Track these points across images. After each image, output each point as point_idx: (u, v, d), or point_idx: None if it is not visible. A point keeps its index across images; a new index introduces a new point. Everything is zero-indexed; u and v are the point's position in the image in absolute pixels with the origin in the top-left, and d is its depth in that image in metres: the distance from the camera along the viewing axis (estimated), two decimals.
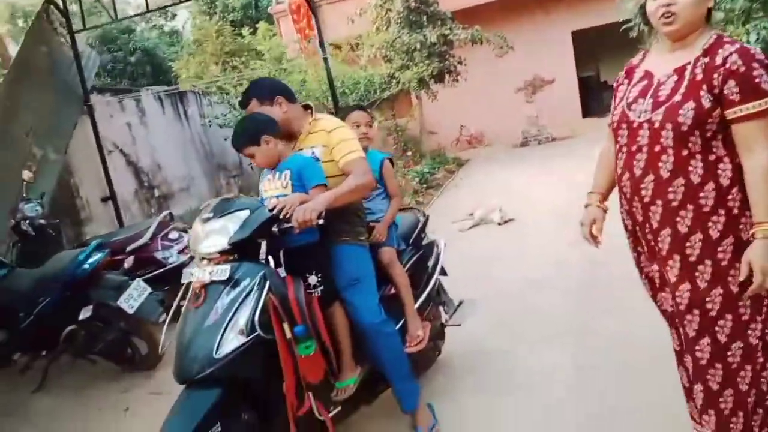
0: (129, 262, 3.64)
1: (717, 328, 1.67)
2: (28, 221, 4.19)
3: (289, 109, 2.57)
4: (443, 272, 3.18)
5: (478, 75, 11.89)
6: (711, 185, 1.64)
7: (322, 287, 2.38)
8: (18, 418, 3.38)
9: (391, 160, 2.97)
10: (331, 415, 2.27)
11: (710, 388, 1.73)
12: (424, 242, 3.05)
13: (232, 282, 2.07)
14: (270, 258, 2.18)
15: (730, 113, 1.61)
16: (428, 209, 7.61)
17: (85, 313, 3.27)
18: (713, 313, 1.66)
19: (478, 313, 3.13)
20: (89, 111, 6.92)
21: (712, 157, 1.65)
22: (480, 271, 4.59)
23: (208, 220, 2.21)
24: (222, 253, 2.14)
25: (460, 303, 3.11)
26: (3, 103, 5.87)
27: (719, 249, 1.65)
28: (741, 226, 1.65)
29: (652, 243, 1.78)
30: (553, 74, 13.01)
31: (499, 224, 5.94)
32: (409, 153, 10.17)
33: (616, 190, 1.92)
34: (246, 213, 2.19)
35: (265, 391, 2.08)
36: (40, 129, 5.94)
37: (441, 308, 3.08)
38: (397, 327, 2.63)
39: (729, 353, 1.68)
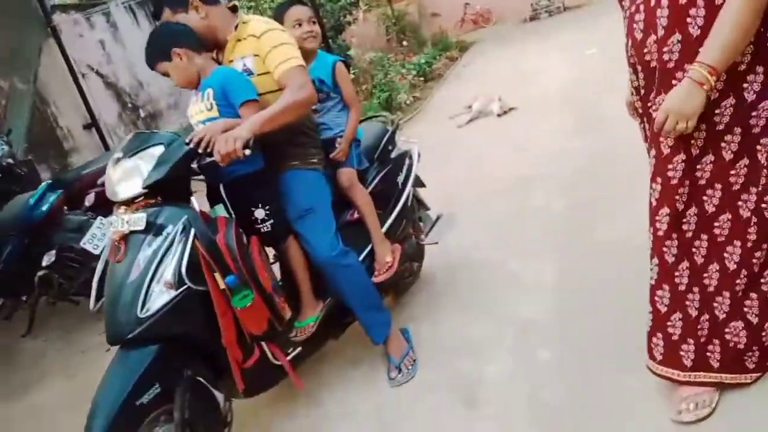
0: (90, 199, 3.43)
1: (705, 198, 1.53)
2: None
3: (208, 12, 2.18)
4: (420, 184, 2.90)
5: None
6: None
7: (272, 221, 2.15)
8: (8, 363, 3.38)
9: (346, 63, 2.58)
10: (290, 357, 2.13)
11: (696, 262, 1.58)
12: (394, 155, 2.73)
13: (153, 230, 1.84)
14: (193, 200, 1.93)
15: None
16: (427, 104, 7.14)
17: (48, 259, 3.13)
18: (702, 182, 1.52)
19: (458, 227, 2.86)
20: (54, 33, 6.42)
21: (719, 0, 1.35)
22: (472, 170, 4.28)
23: (119, 160, 1.93)
24: (142, 197, 1.89)
25: (438, 218, 2.83)
26: None
27: (716, 111, 1.43)
28: (746, 85, 1.42)
29: (652, 119, 1.56)
30: None
31: (499, 116, 5.49)
32: (405, 43, 9.39)
33: None
34: (160, 149, 1.91)
35: (211, 345, 1.91)
36: None
37: (419, 225, 2.83)
38: (364, 254, 2.41)
39: (716, 224, 1.55)
